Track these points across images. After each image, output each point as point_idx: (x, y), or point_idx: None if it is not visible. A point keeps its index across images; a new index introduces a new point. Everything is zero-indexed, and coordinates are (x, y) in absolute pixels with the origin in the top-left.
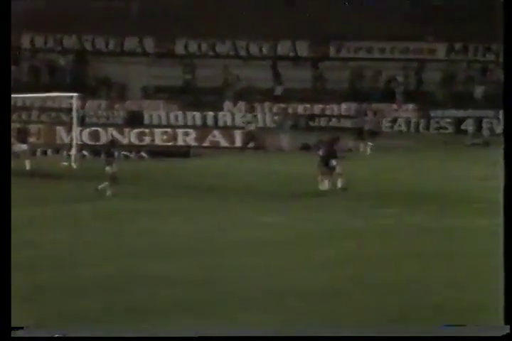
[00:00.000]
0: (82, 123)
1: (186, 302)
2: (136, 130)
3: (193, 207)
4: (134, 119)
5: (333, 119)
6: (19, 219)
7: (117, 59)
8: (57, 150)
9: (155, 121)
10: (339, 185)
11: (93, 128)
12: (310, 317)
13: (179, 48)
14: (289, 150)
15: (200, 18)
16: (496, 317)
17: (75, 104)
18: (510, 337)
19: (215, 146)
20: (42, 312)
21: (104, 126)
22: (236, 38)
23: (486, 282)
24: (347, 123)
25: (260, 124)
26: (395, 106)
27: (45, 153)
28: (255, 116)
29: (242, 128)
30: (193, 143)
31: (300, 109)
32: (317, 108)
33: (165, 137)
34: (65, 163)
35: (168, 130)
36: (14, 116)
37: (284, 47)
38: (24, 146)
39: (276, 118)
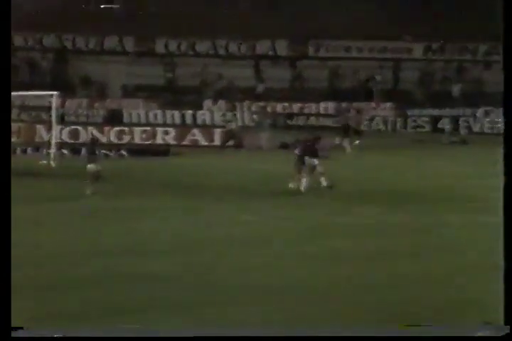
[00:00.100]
0: (62, 121)
1: (164, 300)
2: (116, 128)
3: (173, 205)
4: (114, 118)
5: (312, 118)
6: None
7: (97, 58)
8: (37, 148)
9: (134, 120)
10: (324, 183)
11: (73, 127)
12: (288, 315)
13: (159, 47)
14: (267, 149)
15: (180, 17)
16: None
17: (55, 102)
18: (510, 337)
19: (195, 145)
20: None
21: (84, 124)
22: (216, 38)
23: (477, 279)
24: (326, 122)
25: (239, 123)
26: (373, 104)
27: (24, 151)
28: (235, 115)
29: (222, 126)
30: (172, 142)
31: (279, 107)
32: (296, 107)
33: (144, 136)
34: (44, 162)
35: (148, 128)
36: None
37: (263, 47)
38: None
39: (255, 116)
